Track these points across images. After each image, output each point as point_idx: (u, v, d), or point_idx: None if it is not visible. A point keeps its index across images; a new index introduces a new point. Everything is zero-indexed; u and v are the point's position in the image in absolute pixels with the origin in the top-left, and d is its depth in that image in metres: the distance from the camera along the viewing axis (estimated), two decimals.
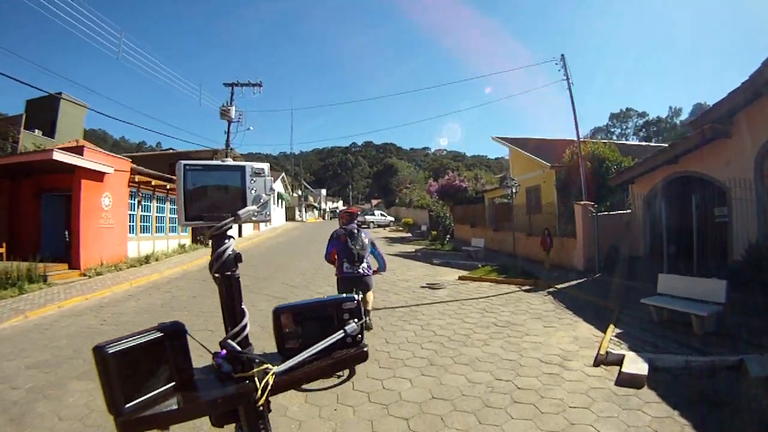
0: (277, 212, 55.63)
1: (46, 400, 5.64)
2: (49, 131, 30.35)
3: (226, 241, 1.17)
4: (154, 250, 22.06)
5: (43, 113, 31.15)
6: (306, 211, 75.93)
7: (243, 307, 1.18)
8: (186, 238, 26.93)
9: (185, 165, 1.14)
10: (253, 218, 1.22)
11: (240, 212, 1.18)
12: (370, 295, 7.63)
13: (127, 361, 0.97)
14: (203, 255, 22.98)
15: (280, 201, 56.31)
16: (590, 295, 11.28)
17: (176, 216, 25.03)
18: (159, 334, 1.07)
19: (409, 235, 38.40)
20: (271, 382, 1.09)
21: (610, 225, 15.63)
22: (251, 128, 32.17)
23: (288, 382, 1.15)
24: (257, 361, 1.12)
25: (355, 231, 7.36)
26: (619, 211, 17.21)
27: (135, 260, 19.53)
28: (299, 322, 1.25)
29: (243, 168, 1.22)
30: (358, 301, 1.31)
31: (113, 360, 0.95)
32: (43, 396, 5.78)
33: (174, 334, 1.11)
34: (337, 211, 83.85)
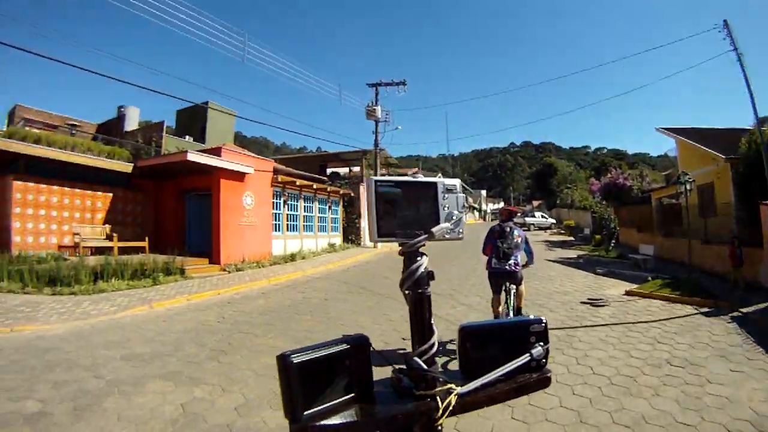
0: None
1: (117, 396, 5.75)
2: (200, 137, 33.40)
3: (419, 258, 1.14)
4: (301, 249, 22.89)
5: (193, 121, 34.74)
6: (465, 212, 74.89)
7: (432, 324, 1.15)
8: (336, 237, 27.70)
9: (377, 181, 1.13)
10: (447, 236, 1.18)
11: (433, 229, 1.15)
12: (522, 289, 7.81)
13: (309, 371, 0.98)
14: (351, 255, 23.69)
15: None
16: None
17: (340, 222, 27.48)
18: (345, 347, 1.07)
19: (571, 238, 36.04)
20: (453, 402, 1.04)
21: None
22: (399, 127, 32.35)
23: (469, 403, 1.10)
24: (441, 380, 1.07)
25: (508, 229, 7.66)
26: None
27: (280, 258, 20.41)
28: (484, 342, 1.21)
29: (435, 184, 1.20)
30: (545, 323, 1.24)
31: (296, 369, 0.95)
32: (118, 391, 5.89)
33: (359, 347, 1.10)
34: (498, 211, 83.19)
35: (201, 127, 34.24)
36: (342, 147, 35.56)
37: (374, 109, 29.89)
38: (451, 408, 1.03)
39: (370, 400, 1.08)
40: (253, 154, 22.53)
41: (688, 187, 14.90)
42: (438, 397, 1.04)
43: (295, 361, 0.95)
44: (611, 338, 8.61)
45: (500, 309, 7.60)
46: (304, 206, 24.27)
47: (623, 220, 29.41)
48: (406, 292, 1.13)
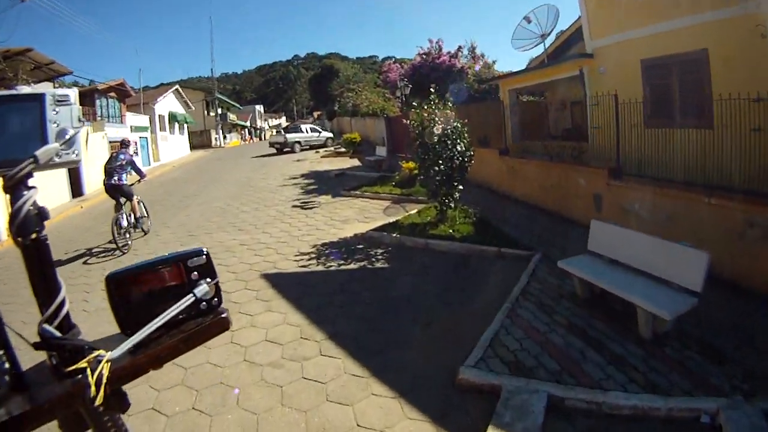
0: (176, 141, 39.15)
1: None
2: None
3: (25, 192, 0.86)
4: None
5: None
6: (229, 133, 57.29)
7: (58, 278, 0.90)
8: None
9: None
10: (57, 159, 0.91)
11: (38, 152, 0.87)
12: (134, 204, 9.96)
13: None
14: None
15: (175, 125, 39.32)
16: None
17: None
18: None
19: (356, 164, 21.61)
20: (106, 372, 0.84)
21: None
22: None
23: (129, 370, 0.88)
24: (86, 347, 0.86)
25: (114, 155, 9.69)
26: None
27: None
28: (140, 290, 0.96)
29: (42, 95, 0.92)
30: (207, 254, 1.02)
31: None
32: None
33: None
34: (280, 127, 67.19)
35: None
36: None
37: None
38: (105, 380, 0.82)
39: (23, 388, 0.84)
40: None
41: None
42: (89, 370, 0.84)
43: None
44: None
45: (117, 215, 9.32)
46: None
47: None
48: (18, 239, 0.86)
